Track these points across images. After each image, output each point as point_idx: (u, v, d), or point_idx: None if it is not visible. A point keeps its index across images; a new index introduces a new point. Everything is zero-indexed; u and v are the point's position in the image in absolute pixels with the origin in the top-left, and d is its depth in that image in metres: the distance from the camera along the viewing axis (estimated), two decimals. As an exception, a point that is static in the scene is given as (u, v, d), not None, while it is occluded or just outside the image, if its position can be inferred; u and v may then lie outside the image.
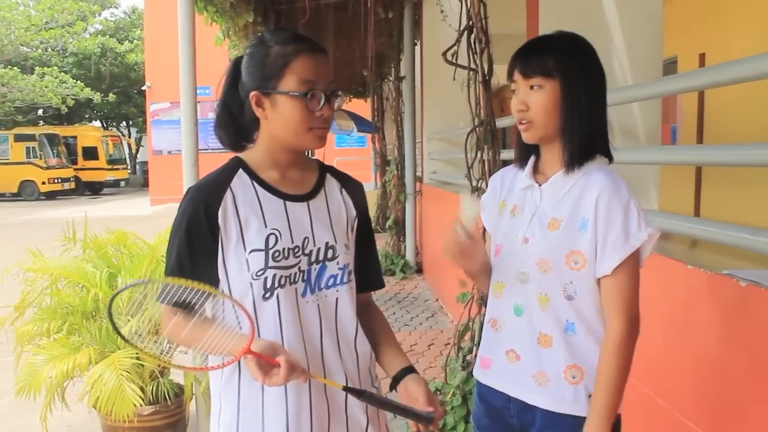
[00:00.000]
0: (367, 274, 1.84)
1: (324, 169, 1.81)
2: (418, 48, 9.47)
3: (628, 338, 1.63)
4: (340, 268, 1.71)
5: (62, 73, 30.87)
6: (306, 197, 1.72)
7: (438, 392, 4.06)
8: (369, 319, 1.82)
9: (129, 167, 35.33)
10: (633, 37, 3.96)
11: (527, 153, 1.84)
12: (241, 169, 1.67)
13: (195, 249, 1.61)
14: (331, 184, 1.79)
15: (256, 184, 1.66)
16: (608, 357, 1.62)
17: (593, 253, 1.65)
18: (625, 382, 1.65)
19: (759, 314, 1.99)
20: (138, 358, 3.67)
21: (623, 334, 1.62)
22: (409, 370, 1.74)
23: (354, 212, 1.81)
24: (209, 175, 1.69)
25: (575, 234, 1.67)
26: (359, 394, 1.60)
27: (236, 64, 1.69)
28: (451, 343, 4.35)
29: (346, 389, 1.60)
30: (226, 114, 1.69)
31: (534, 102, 1.69)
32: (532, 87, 1.69)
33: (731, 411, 2.13)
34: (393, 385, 1.75)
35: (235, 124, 1.69)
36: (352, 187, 1.83)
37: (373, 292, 1.91)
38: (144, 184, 30.87)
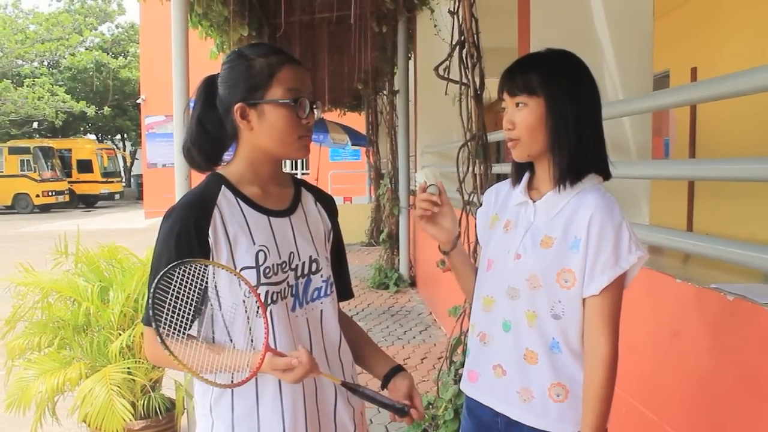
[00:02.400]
0: (341, 285, 1.86)
1: (298, 184, 1.83)
2: (411, 62, 9.52)
3: (616, 358, 1.64)
4: (323, 281, 1.74)
5: (54, 86, 30.92)
6: (287, 212, 1.73)
7: (430, 406, 4.05)
8: (346, 327, 1.85)
9: (124, 180, 35.31)
10: (623, 51, 3.98)
11: (522, 169, 1.84)
12: (224, 185, 1.66)
13: None
14: (307, 197, 1.81)
15: (240, 201, 1.65)
16: (599, 377, 1.62)
17: (583, 273, 1.65)
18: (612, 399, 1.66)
19: (746, 328, 2.00)
20: (129, 373, 3.66)
21: (613, 354, 1.63)
22: (398, 368, 1.80)
23: (329, 224, 1.84)
24: (194, 192, 1.67)
25: (567, 252, 1.67)
26: (354, 389, 1.63)
27: (210, 81, 1.69)
28: (444, 357, 4.34)
29: (344, 384, 1.63)
30: (202, 132, 1.67)
31: (519, 120, 1.70)
32: (517, 105, 1.71)
33: (720, 424, 2.14)
34: (384, 384, 1.80)
35: (212, 142, 1.68)
36: (324, 199, 1.86)
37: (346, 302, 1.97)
38: (138, 197, 30.88)
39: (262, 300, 1.58)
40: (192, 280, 1.53)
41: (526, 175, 1.83)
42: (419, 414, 1.71)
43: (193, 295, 1.54)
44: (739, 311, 2.01)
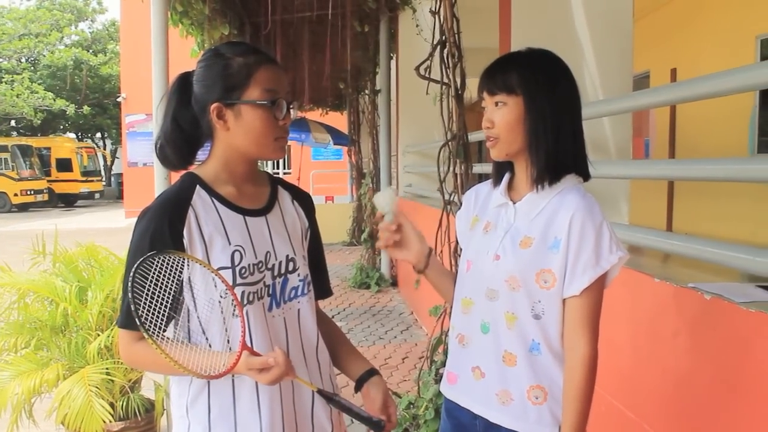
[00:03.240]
0: (319, 283, 1.85)
1: (275, 182, 1.82)
2: (393, 62, 9.51)
3: (596, 358, 1.64)
4: (300, 280, 1.73)
5: (34, 84, 30.61)
6: (263, 211, 1.71)
7: (411, 405, 4.05)
8: (323, 326, 1.84)
9: (104, 179, 35.00)
10: (604, 52, 4.00)
11: (502, 170, 1.84)
12: (198, 186, 1.64)
13: None
14: (284, 196, 1.80)
15: (215, 201, 1.64)
16: (579, 376, 1.63)
17: (563, 273, 1.65)
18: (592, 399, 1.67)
19: (723, 327, 2.02)
20: (108, 373, 3.63)
21: (592, 354, 1.63)
22: (372, 372, 1.79)
23: (306, 223, 1.82)
24: (168, 193, 1.65)
25: (546, 253, 1.67)
26: (330, 397, 1.61)
27: (184, 79, 1.67)
28: (425, 357, 4.35)
29: (320, 392, 1.61)
30: (177, 131, 1.65)
31: (498, 119, 1.70)
32: (496, 104, 1.71)
33: (697, 422, 2.15)
34: (357, 388, 1.79)
35: (187, 140, 1.66)
36: (301, 198, 1.85)
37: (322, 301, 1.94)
38: (119, 196, 30.65)
39: (239, 300, 1.57)
40: (167, 276, 1.51)
41: (507, 177, 1.83)
42: (392, 425, 1.71)
43: (169, 293, 1.52)
44: (716, 310, 2.03)
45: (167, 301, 1.52)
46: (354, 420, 1.64)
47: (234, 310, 1.57)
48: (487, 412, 1.75)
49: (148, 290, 1.49)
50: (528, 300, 1.68)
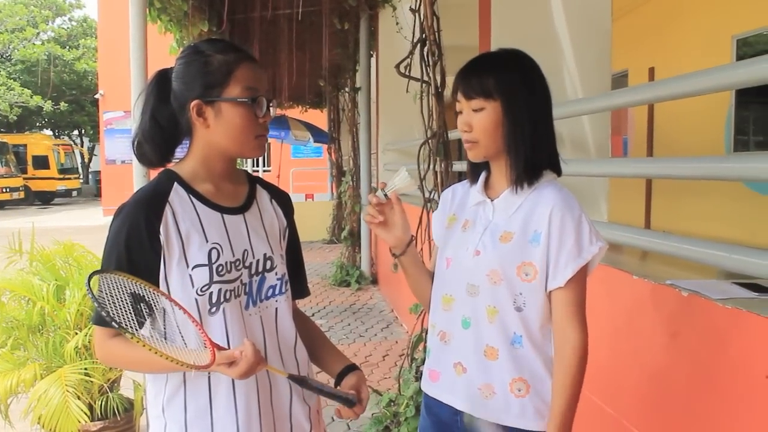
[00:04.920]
0: (296, 283, 1.84)
1: (253, 181, 1.81)
2: (374, 59, 9.51)
3: (587, 345, 1.67)
4: (278, 279, 1.72)
5: (9, 80, 30.23)
6: (241, 209, 1.71)
7: (392, 403, 4.06)
8: (301, 325, 1.83)
9: (81, 177, 34.64)
10: (582, 50, 4.03)
11: (478, 169, 1.86)
12: (176, 182, 1.63)
13: (136, 265, 1.54)
14: (262, 195, 1.80)
15: (193, 198, 1.63)
16: (570, 364, 1.65)
17: (544, 266, 1.68)
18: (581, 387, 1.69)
19: (699, 323, 2.04)
20: (87, 374, 3.59)
21: (584, 341, 1.66)
22: (352, 368, 1.80)
23: (285, 222, 1.82)
24: (145, 189, 1.63)
25: (526, 246, 1.70)
26: (301, 381, 1.61)
27: (163, 76, 1.66)
28: (405, 354, 4.35)
29: (290, 377, 1.60)
30: (156, 128, 1.64)
31: (477, 123, 1.72)
32: (474, 108, 1.72)
33: (675, 417, 2.18)
34: (337, 383, 1.78)
35: (165, 138, 1.65)
36: (280, 197, 1.84)
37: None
38: (97, 194, 30.30)
39: (214, 300, 1.58)
40: (119, 291, 1.49)
41: (483, 175, 1.85)
42: (360, 408, 1.70)
43: (127, 305, 1.49)
44: (693, 307, 2.05)
45: (130, 311, 1.49)
46: (329, 402, 1.65)
47: (210, 309, 1.57)
48: (470, 407, 1.76)
49: (111, 301, 1.47)
50: (509, 293, 1.70)
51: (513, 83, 1.70)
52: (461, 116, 1.75)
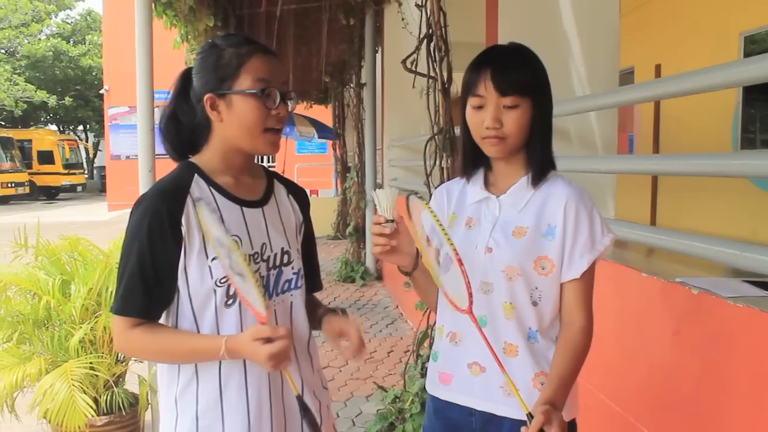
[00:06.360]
0: (311, 277, 1.86)
1: (271, 175, 1.83)
2: (379, 55, 9.49)
3: (592, 334, 1.69)
4: (294, 273, 1.74)
5: (15, 75, 30.27)
6: (260, 203, 1.72)
7: (397, 399, 4.05)
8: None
9: (86, 172, 34.72)
10: (590, 47, 4.01)
11: (476, 165, 1.84)
12: (196, 174, 1.65)
13: (157, 256, 1.56)
14: (280, 190, 1.81)
15: (213, 190, 1.65)
16: (576, 341, 1.66)
17: (560, 259, 1.69)
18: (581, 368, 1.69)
19: (710, 321, 2.03)
20: (92, 368, 3.59)
21: (591, 330, 1.69)
22: (341, 311, 1.80)
23: (301, 217, 1.83)
24: (165, 181, 1.65)
25: (541, 240, 1.70)
26: (304, 409, 1.60)
27: (186, 73, 1.69)
28: (410, 350, 4.35)
29: (298, 398, 1.60)
30: (173, 124, 1.67)
31: (510, 120, 1.68)
32: (507, 105, 1.68)
33: (683, 415, 2.17)
34: (318, 324, 1.80)
35: (182, 134, 1.68)
36: (297, 192, 1.86)
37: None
38: (102, 190, 30.37)
39: (231, 292, 1.59)
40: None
41: (482, 172, 1.83)
42: (361, 350, 1.71)
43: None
44: (703, 305, 2.04)
45: None
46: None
47: (227, 301, 1.59)
48: (491, 406, 1.73)
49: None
50: (526, 287, 1.70)
51: (544, 81, 1.73)
52: (488, 111, 1.69)
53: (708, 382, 2.04)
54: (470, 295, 1.52)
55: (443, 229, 1.54)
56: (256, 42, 1.66)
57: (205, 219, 1.52)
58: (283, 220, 1.76)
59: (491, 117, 1.69)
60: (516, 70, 1.70)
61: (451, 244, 1.52)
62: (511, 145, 1.72)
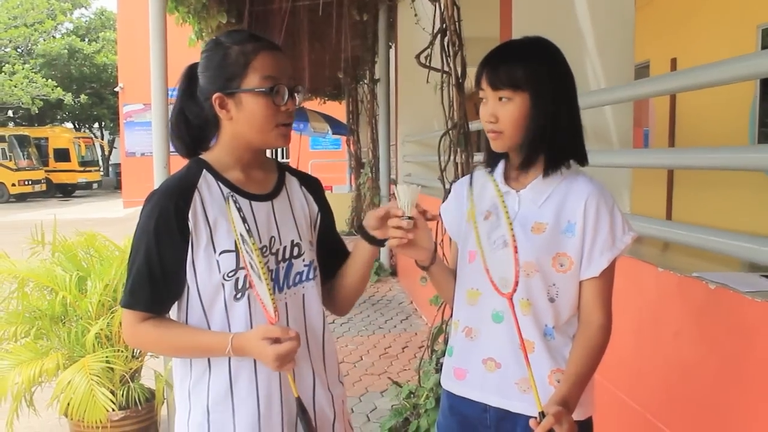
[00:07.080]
0: (341, 252, 1.86)
1: (283, 168, 1.83)
2: (392, 51, 9.48)
3: (610, 332, 1.68)
4: (305, 265, 1.73)
5: (32, 73, 30.49)
6: (269, 196, 1.73)
7: (412, 395, 4.05)
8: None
9: (102, 169, 34.92)
10: (605, 40, 3.98)
11: (497, 159, 1.83)
12: (205, 170, 1.66)
13: (164, 252, 1.59)
14: (292, 182, 1.81)
15: (221, 185, 1.66)
16: (595, 339, 1.65)
17: (579, 256, 1.67)
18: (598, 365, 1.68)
19: (727, 316, 2.01)
20: (108, 362, 3.62)
21: (609, 328, 1.67)
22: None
23: (315, 208, 1.83)
24: (174, 178, 1.68)
25: (560, 237, 1.68)
26: (303, 411, 1.61)
27: (190, 71, 1.70)
28: (425, 346, 4.34)
29: (298, 400, 1.60)
30: (182, 122, 1.69)
31: (503, 114, 1.68)
32: (500, 99, 1.68)
33: (701, 412, 2.15)
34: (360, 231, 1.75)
35: (191, 131, 1.69)
36: (309, 182, 1.86)
37: None
38: (117, 186, 30.55)
39: (240, 286, 1.60)
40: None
41: (502, 165, 1.82)
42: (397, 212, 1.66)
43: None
44: (721, 300, 2.02)
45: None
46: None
47: (236, 294, 1.60)
48: (506, 403, 1.72)
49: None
50: (544, 284, 1.69)
51: (541, 74, 1.67)
52: (485, 106, 1.72)
53: (726, 378, 2.02)
54: (516, 283, 1.52)
55: (506, 211, 1.54)
56: (260, 38, 1.66)
57: (234, 215, 1.54)
58: (294, 213, 1.76)
59: (486, 111, 1.71)
60: (508, 65, 1.68)
61: (512, 228, 1.52)
62: (509, 139, 1.70)
